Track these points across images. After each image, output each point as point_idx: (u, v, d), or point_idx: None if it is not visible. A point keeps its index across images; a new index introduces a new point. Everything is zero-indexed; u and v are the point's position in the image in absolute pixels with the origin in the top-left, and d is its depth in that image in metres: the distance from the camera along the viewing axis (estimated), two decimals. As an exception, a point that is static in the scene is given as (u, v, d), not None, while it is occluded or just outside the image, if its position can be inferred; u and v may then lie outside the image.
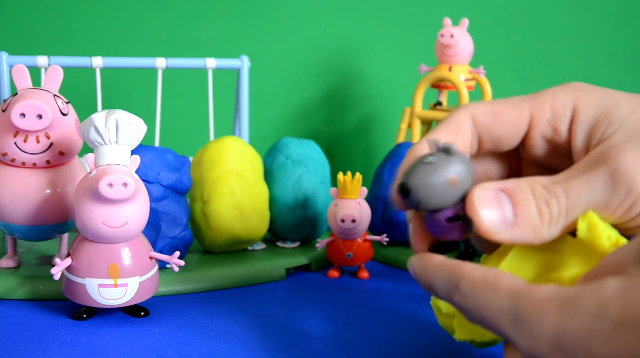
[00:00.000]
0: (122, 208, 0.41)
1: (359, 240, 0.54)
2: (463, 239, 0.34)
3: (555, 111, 0.35)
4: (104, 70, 0.65)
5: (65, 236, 0.52)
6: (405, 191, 0.31)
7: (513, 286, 0.28)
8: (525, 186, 0.32)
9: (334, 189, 0.54)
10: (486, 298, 0.29)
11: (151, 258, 0.44)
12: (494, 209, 0.31)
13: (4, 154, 0.46)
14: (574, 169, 0.32)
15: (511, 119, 0.36)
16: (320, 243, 0.54)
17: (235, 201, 0.55)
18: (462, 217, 0.32)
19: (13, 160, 0.46)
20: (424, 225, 0.34)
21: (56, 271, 0.42)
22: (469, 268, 0.30)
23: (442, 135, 0.35)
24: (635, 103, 0.33)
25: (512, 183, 0.32)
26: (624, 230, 0.32)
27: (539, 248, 0.33)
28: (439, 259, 0.33)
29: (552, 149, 0.36)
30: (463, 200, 0.32)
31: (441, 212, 0.32)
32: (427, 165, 0.31)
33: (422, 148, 0.35)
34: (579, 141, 0.34)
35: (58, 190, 0.47)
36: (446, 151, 0.32)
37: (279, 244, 0.60)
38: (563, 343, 0.26)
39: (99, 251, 0.42)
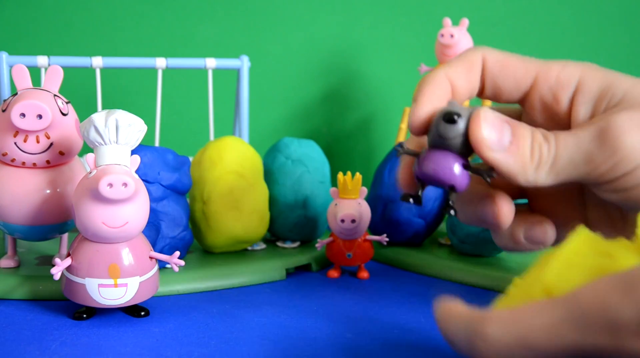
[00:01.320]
0: (122, 208, 0.41)
1: (359, 240, 0.54)
2: (452, 186, 0.35)
3: (560, 80, 0.35)
4: (104, 70, 0.65)
5: (65, 236, 0.52)
6: (453, 118, 0.34)
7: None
8: (526, 126, 0.34)
9: (334, 189, 0.54)
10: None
11: (151, 258, 0.44)
12: (495, 129, 0.33)
13: (4, 154, 0.46)
14: (575, 130, 0.33)
15: (516, 74, 0.36)
16: (320, 243, 0.54)
17: (235, 201, 0.55)
18: (472, 167, 0.35)
19: (13, 160, 0.46)
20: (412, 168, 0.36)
21: (56, 271, 0.42)
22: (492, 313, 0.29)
23: (457, 71, 0.37)
24: (636, 81, 0.34)
25: (516, 121, 0.34)
26: (611, 191, 0.33)
27: (588, 254, 0.32)
28: (458, 309, 0.31)
29: (549, 117, 0.37)
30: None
31: (454, 155, 0.35)
32: (467, 108, 0.35)
33: (438, 78, 0.37)
34: (580, 113, 0.35)
35: (58, 190, 0.47)
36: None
37: (279, 244, 0.60)
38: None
39: (99, 251, 0.42)
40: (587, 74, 0.35)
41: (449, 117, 0.34)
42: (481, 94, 0.38)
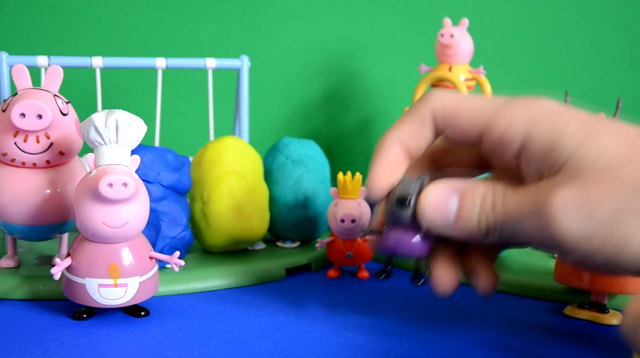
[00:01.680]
0: (122, 208, 0.41)
1: (359, 240, 0.54)
2: (421, 256, 0.39)
3: (503, 139, 0.36)
4: (104, 70, 0.65)
5: (65, 236, 0.52)
6: (404, 202, 0.37)
7: None
8: (477, 190, 0.36)
9: (334, 189, 0.54)
10: None
11: (151, 258, 0.44)
12: (438, 210, 0.36)
13: (4, 154, 0.46)
14: (521, 193, 0.35)
15: (464, 128, 0.37)
16: (320, 243, 0.54)
17: (235, 201, 0.55)
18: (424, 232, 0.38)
19: (13, 160, 0.46)
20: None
21: (56, 271, 0.42)
22: None
23: (408, 133, 0.39)
24: (584, 137, 0.34)
25: (469, 184, 0.36)
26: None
27: None
28: None
29: (502, 163, 0.38)
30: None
31: (410, 230, 0.38)
32: (417, 181, 0.38)
33: (390, 151, 0.39)
34: (527, 170, 0.36)
35: (58, 190, 0.47)
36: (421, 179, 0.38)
37: (279, 244, 0.60)
38: None
39: (99, 251, 0.42)
40: (532, 133, 0.35)
41: (401, 201, 0.37)
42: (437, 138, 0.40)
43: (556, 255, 0.47)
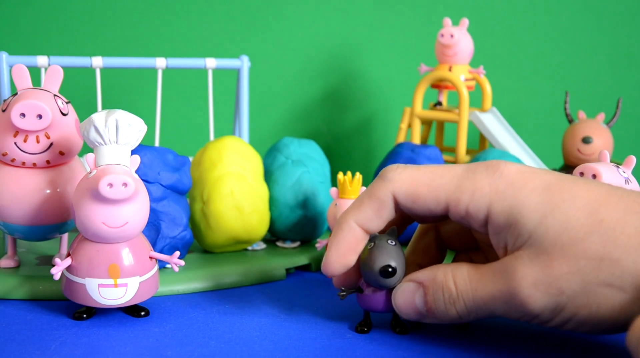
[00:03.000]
0: (122, 208, 0.41)
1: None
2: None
3: (469, 212, 0.37)
4: (104, 70, 0.65)
5: (65, 236, 0.52)
6: (393, 270, 0.40)
7: None
8: (437, 280, 0.38)
9: (334, 189, 0.54)
10: None
11: (151, 258, 0.44)
12: (409, 307, 0.39)
13: (4, 154, 0.46)
14: (487, 275, 0.36)
15: (429, 206, 0.38)
16: (320, 243, 0.54)
17: (235, 201, 0.55)
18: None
19: (13, 160, 0.46)
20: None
21: (56, 271, 0.42)
22: None
23: (367, 216, 0.40)
24: (545, 211, 0.34)
25: (429, 276, 0.38)
26: None
27: None
28: None
29: (474, 229, 0.39)
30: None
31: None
32: (394, 246, 0.40)
33: (351, 230, 0.40)
34: (493, 240, 0.37)
35: (58, 190, 0.47)
36: (392, 233, 0.41)
37: (279, 244, 0.60)
38: None
39: (99, 251, 0.42)
40: (494, 207, 0.36)
41: (385, 273, 0.40)
42: (403, 217, 0.42)
43: None
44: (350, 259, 0.40)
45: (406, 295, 0.39)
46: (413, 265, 0.43)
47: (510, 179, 0.36)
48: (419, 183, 0.38)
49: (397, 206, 0.39)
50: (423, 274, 0.39)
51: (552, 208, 0.34)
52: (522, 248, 0.35)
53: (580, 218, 0.33)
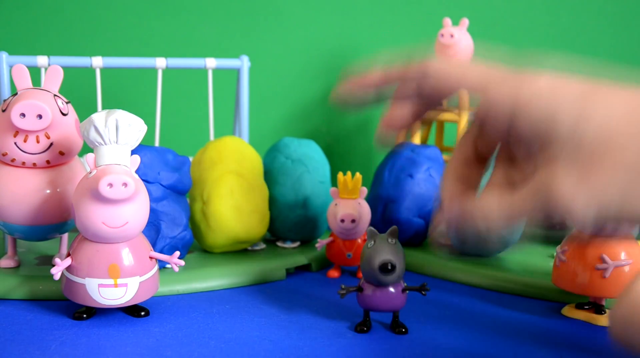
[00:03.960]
0: (122, 208, 0.41)
1: (359, 240, 0.54)
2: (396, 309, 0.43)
3: (493, 126, 0.35)
4: (104, 70, 0.65)
5: (65, 236, 0.52)
6: (392, 267, 0.40)
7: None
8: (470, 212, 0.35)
9: (334, 189, 0.54)
10: None
11: (151, 258, 0.44)
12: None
13: (4, 154, 0.46)
14: (522, 194, 0.34)
15: (457, 85, 0.36)
16: (320, 243, 0.54)
17: (235, 201, 0.55)
18: (408, 287, 0.43)
19: (13, 160, 0.46)
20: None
21: (56, 271, 0.42)
22: None
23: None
24: (578, 121, 0.32)
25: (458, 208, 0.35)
26: None
27: None
28: None
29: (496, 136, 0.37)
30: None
31: (393, 285, 0.42)
32: (394, 245, 0.41)
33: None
34: (519, 152, 0.35)
35: (58, 190, 0.47)
36: (392, 234, 0.42)
37: (279, 244, 0.60)
38: None
39: (99, 251, 0.42)
40: (520, 115, 0.34)
41: (384, 268, 0.40)
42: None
43: (555, 254, 0.47)
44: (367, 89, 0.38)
45: (441, 223, 0.36)
46: (453, 178, 0.39)
47: (544, 85, 0.33)
48: (451, 67, 0.36)
49: (424, 83, 0.37)
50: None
51: (588, 114, 0.32)
52: (555, 158, 0.32)
53: (618, 125, 0.31)
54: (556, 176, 0.32)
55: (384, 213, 0.59)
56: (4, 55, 0.57)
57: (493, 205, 0.34)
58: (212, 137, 0.67)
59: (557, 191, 0.32)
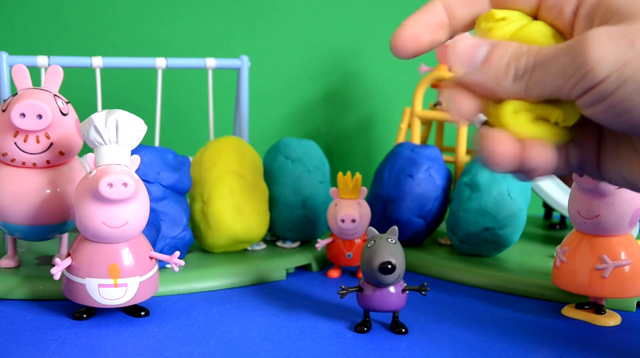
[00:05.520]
0: (122, 208, 0.41)
1: (359, 240, 0.54)
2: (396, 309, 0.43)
3: None
4: (104, 70, 0.65)
5: (65, 236, 0.52)
6: (392, 267, 0.40)
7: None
8: (511, 43, 0.33)
9: (334, 189, 0.54)
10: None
11: (151, 258, 0.44)
12: (465, 52, 0.33)
13: (4, 154, 0.46)
14: (560, 46, 0.32)
15: None
16: (320, 243, 0.54)
17: (235, 201, 0.55)
18: (408, 287, 0.43)
19: (13, 160, 0.46)
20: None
21: (56, 271, 0.42)
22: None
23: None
24: None
25: (503, 41, 0.33)
26: (587, 106, 0.32)
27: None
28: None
29: (559, 31, 0.35)
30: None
31: (393, 285, 0.42)
32: (394, 244, 0.42)
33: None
34: (579, 28, 0.34)
35: (58, 190, 0.47)
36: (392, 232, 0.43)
37: (279, 244, 0.60)
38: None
39: (99, 251, 0.42)
40: None
41: (384, 269, 0.40)
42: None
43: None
44: (425, 42, 0.36)
45: (469, 43, 0.34)
46: None
47: None
48: None
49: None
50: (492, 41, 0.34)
51: None
52: (607, 20, 0.32)
53: None
54: (594, 30, 0.31)
55: (384, 213, 0.59)
56: (4, 55, 0.57)
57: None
58: (212, 137, 0.67)
59: (588, 38, 0.30)
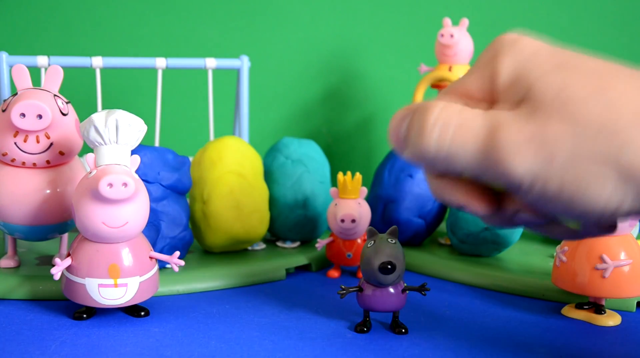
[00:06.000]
0: (122, 208, 0.41)
1: (359, 240, 0.54)
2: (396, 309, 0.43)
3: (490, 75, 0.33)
4: (104, 70, 0.65)
5: (65, 236, 0.52)
6: (392, 267, 0.40)
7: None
8: (427, 106, 0.32)
9: (334, 189, 0.54)
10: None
11: (151, 258, 0.44)
12: (394, 130, 0.34)
13: (4, 154, 0.46)
14: (475, 117, 0.31)
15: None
16: (320, 243, 0.54)
17: (235, 201, 0.55)
18: (408, 287, 0.43)
19: (13, 160, 0.46)
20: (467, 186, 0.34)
21: (56, 271, 0.42)
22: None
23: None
24: (545, 71, 0.31)
25: (423, 103, 0.33)
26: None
27: None
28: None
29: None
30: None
31: (393, 285, 0.42)
32: (394, 244, 0.42)
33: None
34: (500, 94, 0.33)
35: (58, 190, 0.47)
36: (392, 233, 0.43)
37: (279, 244, 0.60)
38: None
39: (99, 251, 0.42)
40: (499, 64, 0.32)
41: (384, 269, 0.41)
42: None
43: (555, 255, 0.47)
44: None
45: (398, 118, 0.34)
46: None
47: (525, 47, 0.33)
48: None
49: None
50: (420, 104, 0.33)
51: (556, 66, 0.31)
52: (518, 103, 0.31)
53: (584, 80, 0.30)
54: (513, 115, 0.30)
55: (384, 213, 0.59)
56: (4, 55, 0.57)
57: (452, 108, 0.32)
58: (212, 137, 0.67)
59: (506, 129, 0.30)
